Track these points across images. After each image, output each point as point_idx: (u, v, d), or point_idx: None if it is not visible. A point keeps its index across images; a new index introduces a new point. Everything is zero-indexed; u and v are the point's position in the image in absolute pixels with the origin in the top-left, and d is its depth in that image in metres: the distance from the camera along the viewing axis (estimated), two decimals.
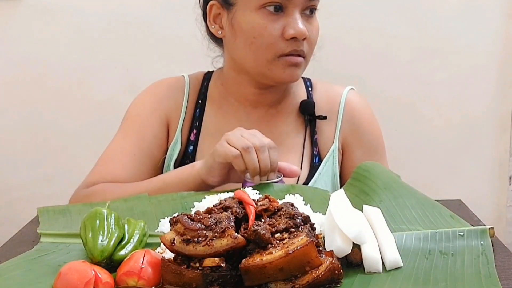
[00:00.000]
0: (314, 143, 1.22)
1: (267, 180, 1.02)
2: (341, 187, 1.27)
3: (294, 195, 0.91)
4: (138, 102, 1.27)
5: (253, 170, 1.00)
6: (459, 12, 2.02)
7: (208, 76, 1.30)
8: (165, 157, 1.24)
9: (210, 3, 1.17)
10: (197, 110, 1.25)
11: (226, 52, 1.22)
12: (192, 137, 1.24)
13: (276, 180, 1.03)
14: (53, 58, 2.04)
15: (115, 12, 2.01)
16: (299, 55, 1.13)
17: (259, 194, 0.90)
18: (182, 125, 1.24)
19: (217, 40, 1.24)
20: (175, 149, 1.23)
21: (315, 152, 1.22)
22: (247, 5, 1.11)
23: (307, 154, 1.21)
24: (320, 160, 1.22)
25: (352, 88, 1.29)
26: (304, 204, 0.87)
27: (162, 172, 1.24)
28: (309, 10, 1.13)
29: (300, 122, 1.24)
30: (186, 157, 1.23)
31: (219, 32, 1.18)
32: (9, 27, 2.02)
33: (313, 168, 1.21)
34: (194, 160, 1.22)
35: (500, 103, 2.08)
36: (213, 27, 1.19)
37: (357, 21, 2.02)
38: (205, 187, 1.06)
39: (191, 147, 1.23)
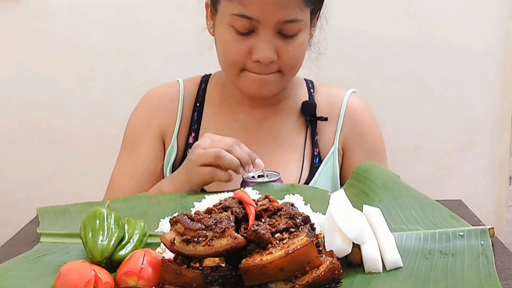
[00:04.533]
0: (314, 144, 1.22)
1: (263, 174, 1.04)
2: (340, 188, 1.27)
3: (294, 195, 0.91)
4: (131, 121, 1.27)
5: (236, 167, 1.00)
6: (459, 12, 2.02)
7: (205, 79, 1.30)
8: (163, 164, 1.24)
9: (206, 1, 1.19)
10: (195, 114, 1.25)
11: None
12: (191, 140, 1.23)
13: (275, 179, 1.04)
14: (53, 58, 2.04)
15: (114, 12, 2.01)
16: (269, 72, 1.11)
17: (259, 194, 0.90)
18: (179, 130, 1.24)
19: None
20: (171, 155, 1.23)
21: (315, 153, 1.21)
22: (222, 18, 1.12)
23: (307, 155, 1.21)
24: (320, 161, 1.22)
25: (354, 91, 1.29)
26: (304, 204, 0.87)
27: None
28: (285, 35, 1.09)
29: (301, 123, 1.24)
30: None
31: (211, 30, 1.19)
32: (9, 27, 2.03)
33: (313, 168, 1.21)
34: None
35: (500, 103, 2.08)
36: (208, 23, 1.20)
37: (357, 21, 2.02)
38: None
39: (190, 150, 1.23)
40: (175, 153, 1.23)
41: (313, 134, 1.23)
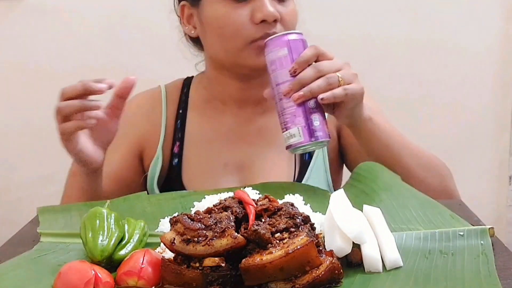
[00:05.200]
0: None
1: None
2: (341, 166, 1.23)
3: (294, 195, 0.91)
4: None
5: (79, 106, 0.95)
6: (459, 12, 2.02)
7: (187, 82, 1.25)
8: (146, 176, 1.21)
9: (181, 4, 1.16)
10: (178, 121, 1.21)
11: (204, 51, 1.19)
12: (176, 150, 1.19)
13: (298, 31, 0.98)
14: (53, 58, 2.04)
15: (115, 12, 2.01)
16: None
17: (259, 194, 0.90)
18: (164, 140, 1.20)
19: (197, 43, 1.20)
20: (156, 166, 1.19)
21: None
22: None
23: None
24: (311, 156, 1.18)
25: None
26: (304, 204, 0.87)
27: (146, 190, 1.21)
28: None
29: None
30: (172, 170, 1.19)
31: (192, 32, 1.16)
32: (9, 27, 2.03)
33: (304, 165, 1.17)
34: (181, 174, 1.18)
35: (500, 103, 2.08)
36: (186, 28, 1.17)
37: (356, 21, 2.02)
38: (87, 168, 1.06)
39: (176, 160, 1.19)
40: (161, 164, 1.20)
41: None
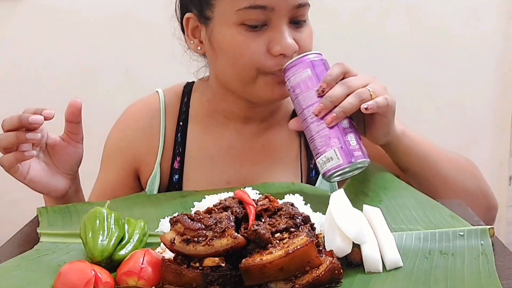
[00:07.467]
0: (309, 155, 1.12)
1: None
2: None
3: (294, 195, 0.91)
4: (108, 140, 1.21)
5: (13, 139, 0.95)
6: (459, 12, 2.02)
7: (188, 89, 1.18)
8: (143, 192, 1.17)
9: (186, 16, 1.06)
10: (179, 135, 1.14)
11: (210, 67, 1.11)
12: (176, 165, 1.13)
13: (316, 52, 0.93)
14: (53, 58, 2.04)
15: (115, 12, 2.01)
16: None
17: (259, 194, 0.90)
18: (162, 156, 1.14)
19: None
20: (155, 183, 1.14)
21: (311, 165, 1.13)
22: (224, 20, 0.98)
23: (304, 169, 1.13)
24: (317, 173, 1.13)
25: None
26: (304, 204, 0.87)
27: None
28: (298, 22, 0.99)
29: (294, 132, 1.13)
30: (171, 187, 1.14)
31: (199, 48, 1.07)
32: (9, 27, 2.03)
33: (310, 183, 1.12)
34: (181, 190, 1.13)
35: (500, 103, 2.08)
36: (192, 42, 1.07)
37: (356, 21, 2.02)
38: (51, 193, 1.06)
39: (176, 176, 1.13)
40: (159, 181, 1.14)
41: (307, 143, 1.14)
